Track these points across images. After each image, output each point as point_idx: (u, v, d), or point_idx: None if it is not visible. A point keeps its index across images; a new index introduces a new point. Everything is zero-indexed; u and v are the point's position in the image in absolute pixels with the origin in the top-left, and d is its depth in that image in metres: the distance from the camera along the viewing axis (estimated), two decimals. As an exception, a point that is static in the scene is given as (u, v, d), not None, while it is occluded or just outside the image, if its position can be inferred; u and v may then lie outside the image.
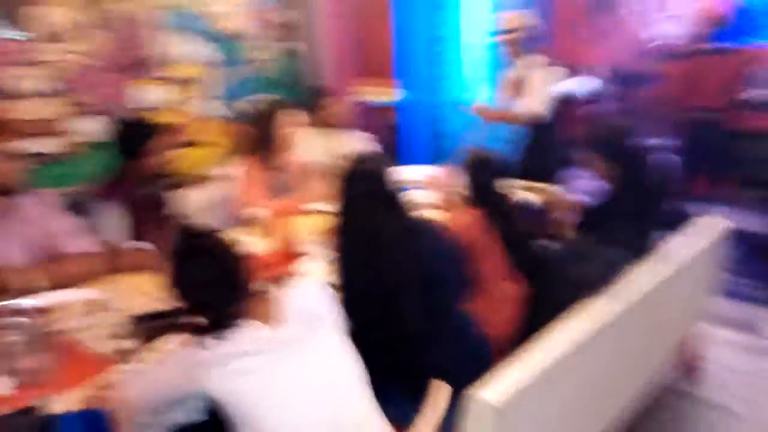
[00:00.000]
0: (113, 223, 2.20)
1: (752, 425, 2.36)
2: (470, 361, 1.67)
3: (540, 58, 3.30)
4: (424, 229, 1.75)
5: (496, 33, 3.34)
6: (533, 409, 1.55)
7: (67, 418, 1.25)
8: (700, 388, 2.59)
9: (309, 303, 1.36)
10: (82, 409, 1.30)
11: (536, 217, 2.42)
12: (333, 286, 1.61)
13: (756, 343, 2.94)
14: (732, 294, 3.41)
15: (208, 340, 1.27)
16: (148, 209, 2.30)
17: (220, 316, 1.28)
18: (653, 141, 5.49)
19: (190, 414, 1.31)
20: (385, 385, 1.47)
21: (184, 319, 1.64)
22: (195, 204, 2.72)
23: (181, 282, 1.30)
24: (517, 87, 3.31)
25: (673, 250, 2.20)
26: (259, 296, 1.34)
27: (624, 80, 5.71)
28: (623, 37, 5.55)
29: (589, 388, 1.80)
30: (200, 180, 3.13)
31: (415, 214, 1.77)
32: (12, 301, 1.55)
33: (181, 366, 1.28)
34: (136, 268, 2.05)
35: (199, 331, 1.30)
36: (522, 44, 3.29)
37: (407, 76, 4.73)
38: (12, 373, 1.40)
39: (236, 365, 1.23)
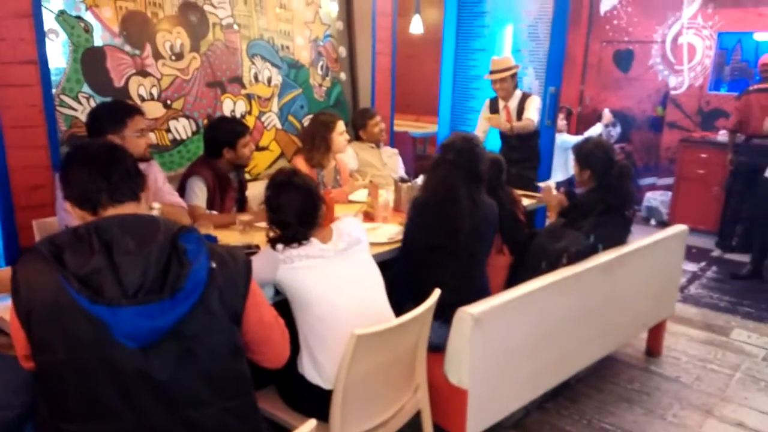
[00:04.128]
0: (198, 193, 2.86)
1: (694, 391, 2.89)
2: (479, 298, 2.19)
3: (525, 93, 4.15)
4: (483, 200, 2.41)
5: (490, 72, 4.09)
6: (503, 323, 2.16)
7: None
8: (659, 366, 3.13)
9: (352, 230, 2.00)
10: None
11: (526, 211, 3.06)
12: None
13: (716, 339, 3.47)
14: (708, 305, 3.96)
15: (279, 247, 1.91)
16: (224, 189, 2.99)
17: (296, 233, 1.92)
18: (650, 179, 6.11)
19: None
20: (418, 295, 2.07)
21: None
22: (259, 192, 3.42)
23: (275, 205, 1.95)
24: (514, 113, 4.09)
25: (637, 240, 2.81)
26: (322, 224, 1.99)
27: (633, 123, 6.37)
28: (639, 86, 6.23)
29: (552, 326, 2.39)
30: (264, 176, 3.88)
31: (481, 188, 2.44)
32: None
33: (263, 259, 1.91)
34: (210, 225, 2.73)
35: (273, 242, 1.95)
36: (513, 80, 4.06)
37: (446, 110, 5.49)
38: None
39: (300, 263, 1.86)
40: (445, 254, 2.32)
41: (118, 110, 2.47)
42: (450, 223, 2.31)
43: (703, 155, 5.54)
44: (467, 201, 2.33)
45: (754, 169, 4.61)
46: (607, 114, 5.90)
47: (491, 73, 4.07)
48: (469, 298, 2.14)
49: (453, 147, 2.41)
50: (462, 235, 2.31)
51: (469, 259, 2.36)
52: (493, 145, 4.35)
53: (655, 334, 3.21)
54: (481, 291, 2.39)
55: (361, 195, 3.37)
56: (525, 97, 4.09)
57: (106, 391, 1.19)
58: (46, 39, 2.80)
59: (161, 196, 2.61)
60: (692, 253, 4.95)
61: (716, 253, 5.09)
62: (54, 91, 2.87)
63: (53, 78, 2.86)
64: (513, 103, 4.10)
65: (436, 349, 2.12)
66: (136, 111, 2.49)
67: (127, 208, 1.37)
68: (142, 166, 2.48)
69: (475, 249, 2.38)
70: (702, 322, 3.70)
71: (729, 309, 3.90)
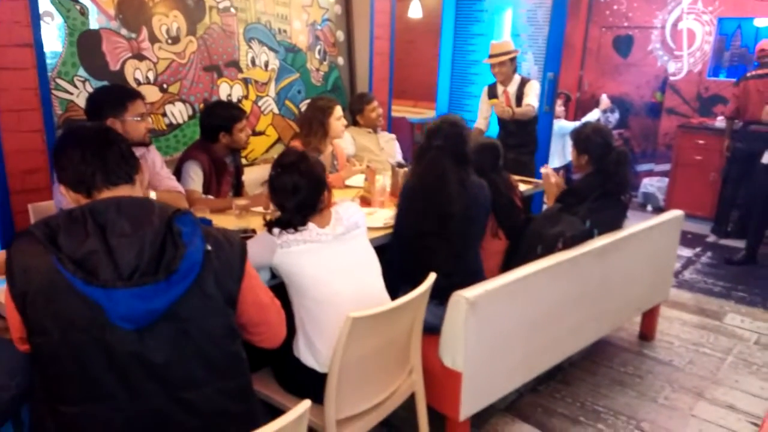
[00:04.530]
0: (194, 177, 2.86)
1: (686, 374, 2.93)
2: (475, 280, 2.23)
3: (524, 78, 4.11)
4: (473, 182, 2.41)
5: (489, 56, 4.06)
6: (498, 307, 2.17)
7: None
8: (652, 350, 3.16)
9: (351, 215, 2.00)
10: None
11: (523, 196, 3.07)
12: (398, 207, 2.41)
13: (709, 323, 3.49)
14: (702, 290, 3.99)
15: (276, 231, 1.91)
16: (220, 173, 2.99)
17: (293, 218, 1.92)
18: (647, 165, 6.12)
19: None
20: (412, 279, 2.10)
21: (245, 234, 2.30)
22: (255, 177, 3.42)
23: (278, 186, 1.92)
24: (513, 98, 4.06)
25: (633, 225, 2.83)
26: (322, 209, 1.98)
27: (632, 109, 6.35)
28: (638, 72, 6.21)
29: (547, 309, 2.40)
30: (261, 161, 3.89)
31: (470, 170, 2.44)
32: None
33: (260, 243, 1.92)
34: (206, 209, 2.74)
35: (269, 225, 1.95)
36: (512, 65, 4.03)
37: (444, 95, 5.47)
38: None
39: (297, 248, 1.86)
40: (436, 239, 2.33)
41: (118, 94, 2.46)
42: (440, 209, 2.32)
43: (701, 141, 5.53)
44: (456, 185, 2.34)
45: (751, 156, 4.61)
46: (604, 100, 5.89)
47: (490, 57, 4.05)
48: (463, 280, 2.16)
49: (440, 132, 2.40)
50: (453, 220, 2.32)
51: (462, 243, 2.38)
52: (492, 130, 4.34)
53: (649, 318, 3.24)
54: (475, 273, 2.41)
55: (358, 180, 3.37)
56: (524, 82, 4.08)
57: (101, 373, 1.20)
58: (42, 22, 2.78)
59: (159, 181, 2.61)
60: (687, 239, 4.97)
61: (711, 238, 5.11)
62: (49, 74, 2.86)
63: (49, 61, 2.85)
64: (512, 88, 4.09)
65: (431, 329, 2.13)
66: (137, 95, 2.48)
67: (122, 191, 1.38)
68: (141, 150, 2.52)
69: (467, 232, 2.39)
70: (696, 306, 3.73)
71: (723, 294, 3.93)
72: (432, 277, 1.96)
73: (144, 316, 1.20)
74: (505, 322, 2.23)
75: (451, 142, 2.38)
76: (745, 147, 4.79)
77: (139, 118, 2.45)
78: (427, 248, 2.33)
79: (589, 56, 6.57)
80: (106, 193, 1.36)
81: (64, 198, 1.45)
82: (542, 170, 3.11)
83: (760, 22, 5.49)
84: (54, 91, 2.90)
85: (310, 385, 1.83)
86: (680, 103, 5.99)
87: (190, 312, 1.26)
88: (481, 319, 2.08)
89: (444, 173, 2.34)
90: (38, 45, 2.75)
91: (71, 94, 2.97)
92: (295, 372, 1.92)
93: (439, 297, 2.11)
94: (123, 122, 2.39)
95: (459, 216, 2.32)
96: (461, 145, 2.40)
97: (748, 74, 4.85)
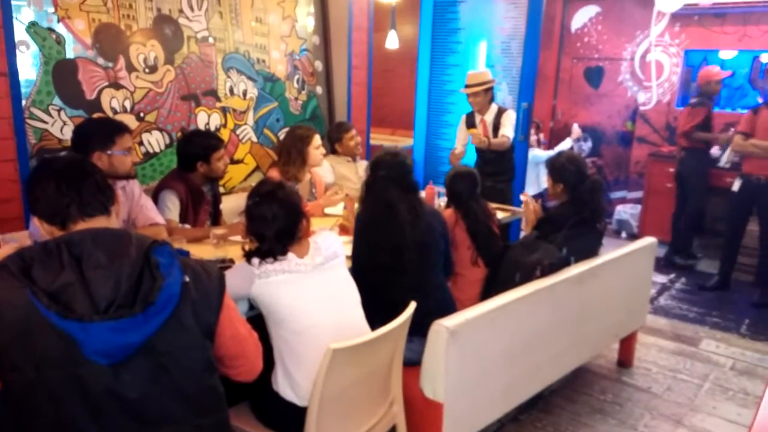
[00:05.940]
0: (171, 207, 2.83)
1: (665, 401, 2.94)
2: (440, 310, 2.23)
3: (501, 107, 4.19)
4: (425, 209, 2.42)
5: (465, 86, 4.13)
6: (478, 336, 2.17)
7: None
8: (631, 377, 3.18)
9: (330, 245, 1.99)
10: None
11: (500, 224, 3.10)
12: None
13: (685, 349, 3.53)
14: (677, 316, 4.04)
15: (255, 261, 1.89)
16: (198, 202, 2.96)
17: (272, 247, 1.90)
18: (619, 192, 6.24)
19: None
20: (373, 313, 2.10)
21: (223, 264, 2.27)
22: (233, 205, 3.40)
23: (256, 216, 1.91)
24: (490, 127, 4.12)
25: (609, 252, 2.87)
26: (300, 239, 1.97)
27: (604, 138, 6.50)
28: (609, 102, 6.37)
29: (526, 337, 2.41)
30: (239, 189, 3.86)
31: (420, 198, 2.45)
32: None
33: (239, 274, 1.90)
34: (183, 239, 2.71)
35: (248, 256, 1.93)
36: (487, 95, 4.10)
37: (421, 124, 5.53)
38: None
39: (276, 278, 1.85)
40: (392, 273, 2.32)
41: (106, 128, 2.43)
42: (393, 240, 2.31)
43: (671, 169, 5.64)
44: (406, 214, 2.34)
45: (682, 179, 5.12)
46: (576, 129, 6.01)
47: (466, 87, 4.12)
48: (431, 310, 2.14)
49: (383, 163, 2.43)
50: (407, 252, 2.31)
51: (420, 274, 2.36)
52: (469, 157, 4.39)
53: (627, 344, 3.26)
54: (443, 302, 2.40)
55: (337, 208, 3.37)
56: (501, 111, 4.14)
57: (74, 410, 1.17)
58: (17, 50, 2.76)
59: (139, 211, 2.58)
60: (661, 265, 5.05)
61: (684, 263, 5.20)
62: (24, 103, 2.83)
63: (23, 90, 2.81)
64: (489, 117, 4.15)
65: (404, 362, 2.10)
66: (125, 129, 2.46)
67: (97, 222, 1.35)
68: (122, 182, 2.49)
69: (424, 262, 2.37)
70: (672, 332, 3.77)
71: (698, 320, 3.98)
72: (412, 306, 1.95)
73: (120, 350, 1.17)
74: (485, 351, 2.23)
75: (395, 171, 2.41)
76: (680, 170, 5.17)
77: (126, 153, 2.42)
78: (384, 282, 2.30)
79: (561, 86, 6.73)
80: (82, 225, 1.34)
81: (39, 229, 1.42)
82: (522, 198, 3.14)
83: (724, 55, 5.69)
84: (28, 120, 2.86)
85: (290, 419, 1.80)
86: (650, 132, 6.15)
87: (168, 345, 1.23)
88: (461, 348, 2.08)
89: (392, 203, 2.34)
90: (13, 74, 2.72)
91: (46, 123, 2.93)
92: (274, 406, 1.88)
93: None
94: (110, 156, 2.37)
95: (413, 245, 2.31)
96: (405, 174, 2.43)
97: (691, 100, 5.13)
